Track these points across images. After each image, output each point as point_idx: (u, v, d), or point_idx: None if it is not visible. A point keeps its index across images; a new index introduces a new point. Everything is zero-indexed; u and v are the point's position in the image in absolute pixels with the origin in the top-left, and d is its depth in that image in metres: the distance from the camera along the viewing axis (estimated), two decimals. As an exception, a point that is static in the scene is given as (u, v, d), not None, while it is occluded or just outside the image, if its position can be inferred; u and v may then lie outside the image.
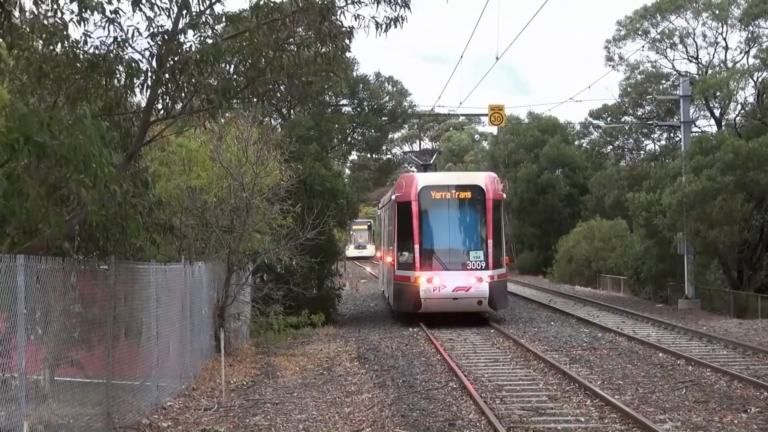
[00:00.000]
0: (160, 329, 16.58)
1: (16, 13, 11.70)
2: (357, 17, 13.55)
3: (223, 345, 20.38)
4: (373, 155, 66.44)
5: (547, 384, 19.78)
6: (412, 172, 43.55)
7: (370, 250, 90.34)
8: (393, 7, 13.69)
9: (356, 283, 50.54)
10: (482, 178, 33.65)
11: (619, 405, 16.64)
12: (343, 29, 13.46)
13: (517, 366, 22.68)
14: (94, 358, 13.60)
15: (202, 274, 21.12)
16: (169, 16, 12.69)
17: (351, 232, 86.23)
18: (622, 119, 57.65)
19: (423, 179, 33.65)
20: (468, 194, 32.85)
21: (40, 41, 12.00)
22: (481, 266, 31.71)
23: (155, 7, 12.30)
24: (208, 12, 13.08)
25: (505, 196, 35.94)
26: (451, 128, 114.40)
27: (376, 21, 13.66)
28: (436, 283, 31.49)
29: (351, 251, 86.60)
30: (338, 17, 13.43)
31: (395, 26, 13.75)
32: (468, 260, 31.95)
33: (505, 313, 36.74)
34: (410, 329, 31.41)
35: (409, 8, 13.79)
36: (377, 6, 13.61)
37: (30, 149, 10.22)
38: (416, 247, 32.06)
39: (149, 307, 16.03)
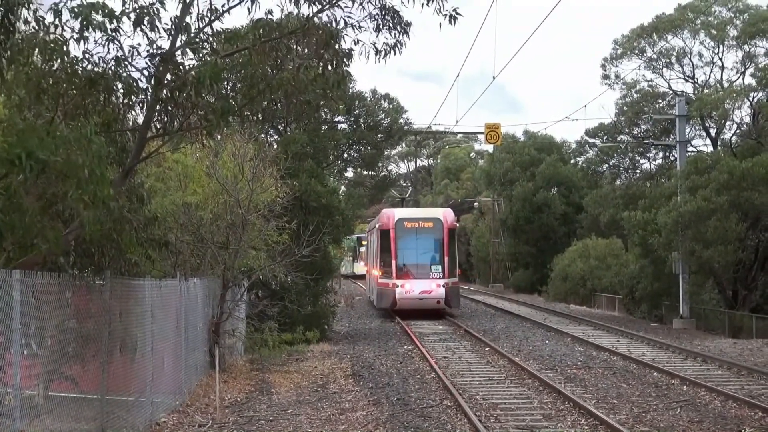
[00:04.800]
0: (154, 345, 16.57)
1: (22, 26, 11.76)
2: (356, 42, 13.63)
3: (217, 361, 20.37)
4: (369, 172, 66.47)
5: (542, 402, 19.79)
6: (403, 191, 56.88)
7: None
8: (392, 34, 13.76)
9: (351, 300, 50.77)
10: (441, 213, 46.67)
11: (613, 424, 16.66)
12: (344, 51, 13.50)
13: (512, 384, 22.69)
14: (88, 374, 13.59)
15: (197, 290, 21.12)
16: (169, 37, 12.77)
17: (360, 248, 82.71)
18: (618, 138, 57.69)
19: (399, 213, 46.33)
20: (431, 224, 44.64)
21: (39, 57, 12.05)
22: (440, 276, 43.32)
23: (156, 28, 12.37)
24: (206, 30, 13.14)
25: (458, 225, 49.32)
26: (447, 146, 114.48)
27: (375, 47, 13.73)
28: (408, 288, 43.04)
29: (359, 268, 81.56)
30: (339, 41, 13.48)
31: (394, 53, 13.84)
32: (430, 271, 43.54)
33: (501, 332, 36.88)
34: (405, 347, 31.45)
35: (407, 35, 13.88)
36: (378, 33, 13.69)
37: (32, 165, 10.25)
38: (393, 262, 43.71)
39: (144, 323, 16.02)
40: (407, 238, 44.22)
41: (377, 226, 46.86)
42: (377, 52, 13.76)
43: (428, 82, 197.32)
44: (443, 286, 43.06)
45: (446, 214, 45.90)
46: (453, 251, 45.01)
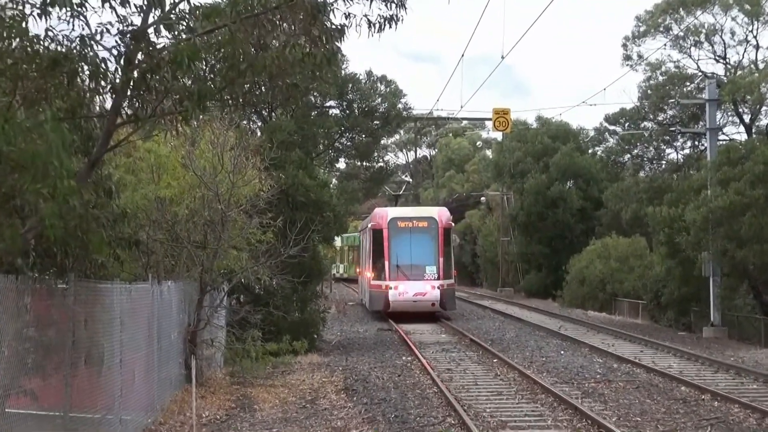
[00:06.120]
0: (124, 356, 16.57)
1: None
2: (348, 15, 13.59)
3: (194, 374, 20.38)
4: (364, 163, 66.43)
5: (557, 420, 19.84)
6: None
7: None
8: (388, 5, 13.72)
9: (343, 306, 50.94)
10: (435, 212, 49.76)
11: (636, 444, 16.70)
12: (334, 27, 13.47)
13: (523, 400, 22.73)
14: (49, 388, 13.58)
15: (171, 294, 21.13)
16: (140, 13, 12.76)
17: None
18: (642, 125, 57.78)
19: (392, 212, 50.15)
20: (425, 224, 47.92)
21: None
22: (434, 277, 46.47)
23: (127, 3, 12.36)
24: (182, 5, 13.12)
25: (453, 225, 53.01)
26: (450, 134, 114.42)
27: (368, 20, 13.68)
28: (401, 290, 46.13)
29: None
30: (328, 15, 13.43)
31: (390, 26, 13.80)
32: (424, 273, 46.55)
33: (511, 341, 36.95)
34: (403, 358, 31.50)
35: (404, 7, 13.84)
36: (370, 4, 13.64)
37: None
38: (386, 263, 46.82)
39: (112, 332, 16.02)
40: (401, 238, 47.39)
41: (369, 225, 50.32)
42: (371, 25, 13.72)
43: (429, 63, 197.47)
44: (438, 287, 46.34)
45: (441, 214, 49.22)
46: (448, 252, 48.64)
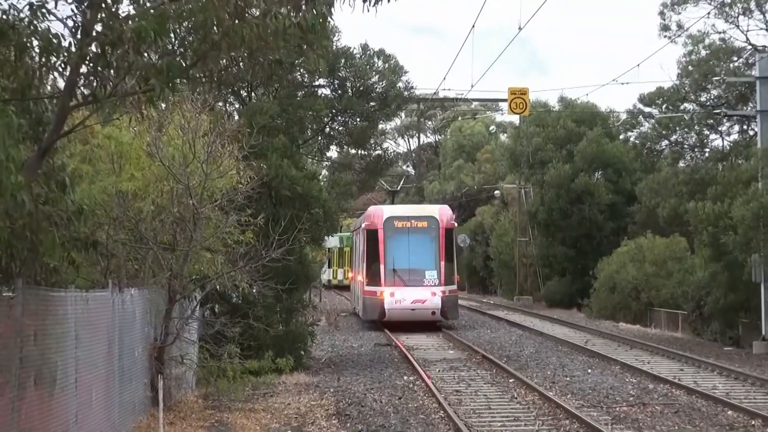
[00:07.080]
0: (79, 375, 16.58)
1: None
2: None
3: (161, 396, 20.40)
4: (359, 151, 66.37)
5: (582, 450, 19.88)
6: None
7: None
8: None
9: (335, 317, 51.05)
10: (436, 210, 52.13)
11: (674, 477, 16.74)
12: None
13: (544, 426, 22.78)
14: (-6, 413, 13.60)
15: (135, 304, 21.14)
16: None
17: None
18: (682, 107, 57.68)
19: (388, 211, 52.14)
20: (424, 224, 49.97)
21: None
22: (435, 283, 48.37)
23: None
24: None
25: (456, 225, 54.89)
26: (460, 117, 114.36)
27: None
28: (398, 297, 48.00)
29: None
30: None
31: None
32: (424, 278, 48.48)
33: (530, 358, 37.00)
34: (405, 377, 31.54)
35: None
36: None
37: None
38: (382, 266, 48.64)
39: (66, 347, 16.03)
40: (398, 239, 49.40)
41: (363, 225, 52.44)
42: None
43: (433, 36, 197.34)
44: (439, 294, 48.38)
45: (442, 212, 51.58)
46: (450, 254, 50.59)
